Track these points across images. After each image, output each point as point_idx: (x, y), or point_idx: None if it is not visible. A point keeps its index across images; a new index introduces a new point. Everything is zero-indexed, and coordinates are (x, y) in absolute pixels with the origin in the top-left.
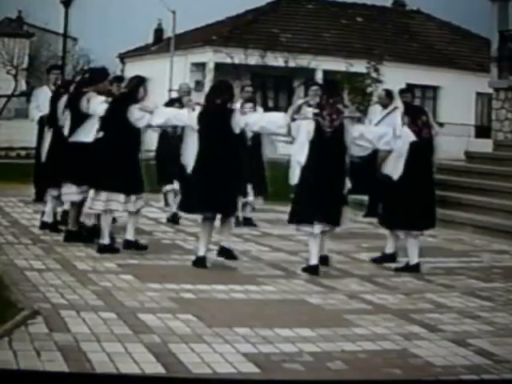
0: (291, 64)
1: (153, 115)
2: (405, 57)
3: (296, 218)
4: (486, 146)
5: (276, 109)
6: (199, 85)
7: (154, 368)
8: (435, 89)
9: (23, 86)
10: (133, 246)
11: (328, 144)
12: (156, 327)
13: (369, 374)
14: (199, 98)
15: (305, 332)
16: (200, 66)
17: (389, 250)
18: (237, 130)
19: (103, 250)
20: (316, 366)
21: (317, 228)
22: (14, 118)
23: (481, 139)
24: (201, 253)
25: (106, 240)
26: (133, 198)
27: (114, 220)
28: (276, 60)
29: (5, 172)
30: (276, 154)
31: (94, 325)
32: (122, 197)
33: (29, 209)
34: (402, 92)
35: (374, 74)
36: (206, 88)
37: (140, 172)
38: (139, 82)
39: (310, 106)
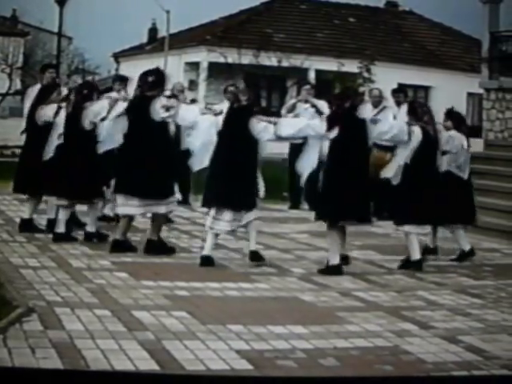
0: (284, 64)
1: (279, 126)
2: (397, 57)
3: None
4: (476, 145)
5: (269, 108)
6: (193, 84)
7: (148, 365)
8: (426, 89)
9: (18, 85)
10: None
11: None
12: (150, 324)
13: (361, 371)
14: (193, 96)
15: (298, 329)
16: (194, 66)
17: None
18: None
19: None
20: (309, 363)
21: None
22: (8, 117)
23: (472, 139)
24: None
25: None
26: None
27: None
28: (269, 60)
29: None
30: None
31: (89, 322)
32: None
33: (24, 207)
34: (394, 92)
35: (365, 74)
36: (200, 87)
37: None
38: (258, 95)
39: (306, 102)
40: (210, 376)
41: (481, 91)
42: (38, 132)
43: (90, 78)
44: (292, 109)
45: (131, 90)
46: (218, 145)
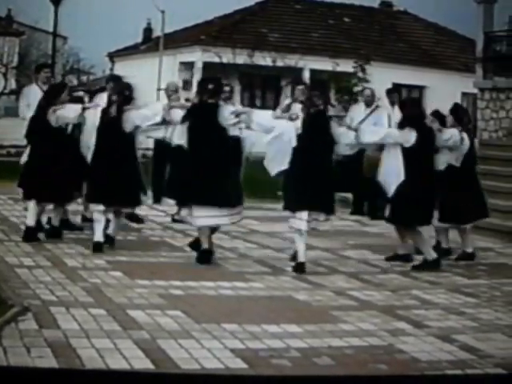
0: (279, 63)
1: (362, 132)
2: (391, 57)
3: None
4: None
5: (263, 108)
6: (187, 84)
7: (143, 364)
8: (421, 88)
9: (13, 85)
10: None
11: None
12: (145, 323)
13: (355, 370)
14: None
15: (292, 328)
16: (188, 65)
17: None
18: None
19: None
20: (303, 362)
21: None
22: (3, 117)
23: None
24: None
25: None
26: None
27: None
28: (264, 59)
29: None
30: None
31: (84, 321)
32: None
33: (19, 206)
34: (388, 92)
35: (360, 74)
36: (194, 87)
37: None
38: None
39: (301, 102)
40: (204, 375)
41: (475, 91)
42: (50, 134)
43: (84, 77)
44: (287, 109)
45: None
46: (297, 149)
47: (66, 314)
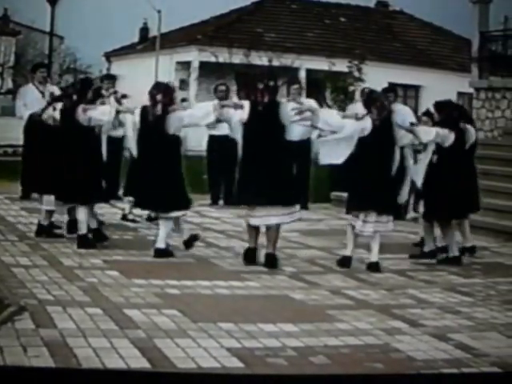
0: (275, 63)
1: (421, 133)
2: (387, 56)
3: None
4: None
5: None
6: (184, 83)
7: (140, 363)
8: (417, 88)
9: (9, 84)
10: None
11: None
12: (141, 322)
13: (351, 369)
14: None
15: (288, 327)
16: (185, 65)
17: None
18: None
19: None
20: (299, 361)
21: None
22: (0, 116)
23: None
24: None
25: None
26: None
27: None
28: (260, 59)
29: None
30: None
31: (80, 320)
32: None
33: (15, 206)
34: (385, 91)
35: (356, 74)
36: (191, 86)
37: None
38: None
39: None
40: (201, 374)
41: (471, 91)
42: (79, 132)
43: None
44: None
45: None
46: (364, 151)
47: (62, 313)
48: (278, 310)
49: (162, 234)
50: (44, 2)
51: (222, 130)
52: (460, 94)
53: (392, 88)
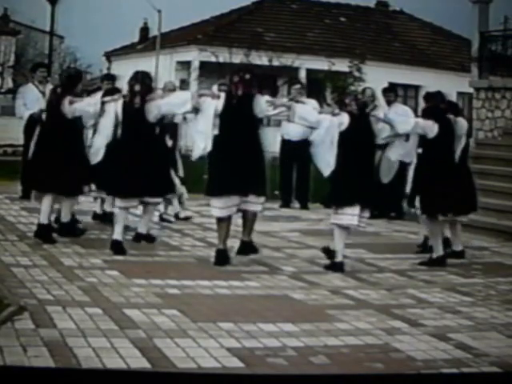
0: (275, 63)
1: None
2: (387, 56)
3: None
4: None
5: None
6: (184, 83)
7: (140, 363)
8: (417, 88)
9: (9, 84)
10: None
11: None
12: (141, 322)
13: (351, 369)
14: None
15: (288, 327)
16: (185, 65)
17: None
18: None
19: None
20: (299, 361)
21: None
22: (0, 116)
23: None
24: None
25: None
26: None
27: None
28: (260, 59)
29: None
30: None
31: (80, 320)
32: None
33: (15, 205)
34: (385, 91)
35: (356, 73)
36: (191, 86)
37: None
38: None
39: (297, 102)
40: (201, 374)
41: (471, 90)
42: (63, 125)
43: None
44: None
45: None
46: (344, 146)
47: (62, 313)
48: (278, 309)
49: (147, 219)
50: (44, 1)
51: None
52: (460, 94)
53: (392, 88)
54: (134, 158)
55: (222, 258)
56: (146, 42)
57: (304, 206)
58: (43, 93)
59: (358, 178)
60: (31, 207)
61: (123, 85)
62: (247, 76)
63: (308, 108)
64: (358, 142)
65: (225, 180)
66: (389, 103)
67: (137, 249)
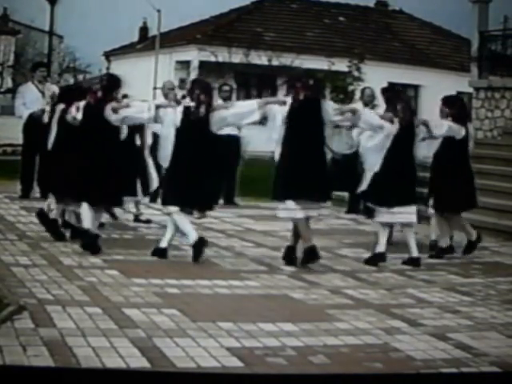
0: (274, 62)
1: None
2: (386, 56)
3: None
4: None
5: None
6: (183, 83)
7: (139, 362)
8: (416, 87)
9: (9, 83)
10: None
11: None
12: (141, 322)
13: (351, 368)
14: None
15: (288, 327)
16: (184, 64)
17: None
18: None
19: None
20: (299, 360)
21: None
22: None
23: None
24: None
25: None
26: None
27: None
28: (260, 58)
29: None
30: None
31: (80, 320)
32: None
33: (15, 205)
34: (384, 91)
35: (355, 73)
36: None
37: None
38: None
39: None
40: (200, 373)
41: (470, 90)
42: (105, 132)
43: (80, 76)
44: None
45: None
46: (392, 152)
47: (62, 312)
48: (277, 309)
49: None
50: (43, 1)
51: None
52: (459, 94)
53: (391, 88)
54: (194, 168)
55: (314, 255)
56: (146, 42)
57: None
58: (43, 92)
59: (406, 177)
60: (30, 206)
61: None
62: (311, 82)
63: (372, 113)
64: (410, 145)
65: (298, 184)
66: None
67: (136, 248)
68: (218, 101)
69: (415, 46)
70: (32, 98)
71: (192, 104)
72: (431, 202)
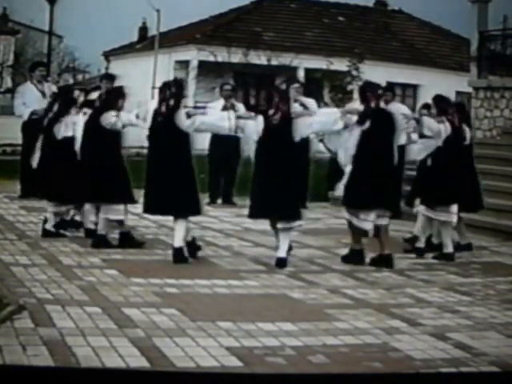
0: (274, 62)
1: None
2: (386, 55)
3: None
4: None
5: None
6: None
7: (139, 362)
8: (415, 87)
9: (9, 83)
10: None
11: None
12: (140, 321)
13: (350, 368)
14: None
15: (287, 326)
16: (184, 64)
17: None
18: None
19: None
20: (298, 360)
21: None
22: None
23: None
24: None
25: None
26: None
27: None
28: (259, 58)
29: None
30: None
31: (79, 319)
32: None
33: (14, 205)
34: (383, 90)
35: (354, 73)
36: (190, 86)
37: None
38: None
39: (295, 100)
40: (200, 373)
41: (470, 90)
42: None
43: (79, 76)
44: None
45: None
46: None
47: (61, 312)
48: (276, 309)
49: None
50: (43, 1)
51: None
52: (459, 94)
53: (390, 87)
54: (276, 177)
55: (360, 257)
56: (145, 42)
57: (303, 206)
58: (42, 92)
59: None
60: (30, 206)
61: (121, 84)
62: (380, 91)
63: (430, 119)
64: (461, 147)
65: (371, 192)
66: (386, 102)
67: (135, 248)
68: (338, 108)
69: (414, 46)
70: (31, 98)
71: (270, 112)
72: (418, 201)
